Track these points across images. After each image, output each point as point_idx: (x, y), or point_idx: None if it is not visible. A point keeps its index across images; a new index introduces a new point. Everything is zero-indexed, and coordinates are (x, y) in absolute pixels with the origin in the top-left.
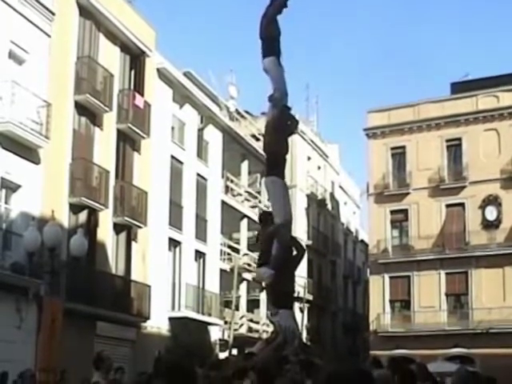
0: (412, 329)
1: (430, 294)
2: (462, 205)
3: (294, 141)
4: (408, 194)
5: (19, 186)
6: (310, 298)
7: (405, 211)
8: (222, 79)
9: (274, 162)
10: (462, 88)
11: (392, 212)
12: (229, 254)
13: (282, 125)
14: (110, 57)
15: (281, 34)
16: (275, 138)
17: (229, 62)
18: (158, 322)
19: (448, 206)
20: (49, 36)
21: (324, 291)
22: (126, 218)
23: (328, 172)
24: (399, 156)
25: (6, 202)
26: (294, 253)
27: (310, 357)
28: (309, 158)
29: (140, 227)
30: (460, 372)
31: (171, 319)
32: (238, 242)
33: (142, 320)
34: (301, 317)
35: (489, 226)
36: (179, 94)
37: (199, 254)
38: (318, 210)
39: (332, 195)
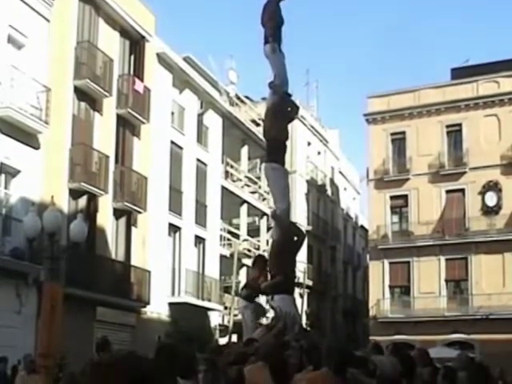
0: (411, 315)
1: (429, 280)
2: (462, 190)
3: (294, 126)
4: (408, 179)
5: (19, 172)
6: (310, 283)
7: (405, 197)
8: (221, 64)
9: (274, 149)
10: (462, 73)
11: (392, 198)
12: (229, 239)
13: (282, 111)
14: (110, 42)
15: (284, 21)
16: (275, 124)
17: (229, 46)
18: (157, 308)
19: (448, 191)
20: (48, 21)
21: (324, 277)
22: (126, 204)
23: (328, 157)
24: (399, 141)
25: (5, 188)
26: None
27: (311, 342)
28: (309, 144)
29: (140, 212)
30: (461, 357)
31: (171, 304)
32: (237, 228)
33: (142, 305)
34: (300, 302)
35: (489, 211)
36: (179, 79)
37: (199, 240)
38: (317, 196)
39: (332, 181)
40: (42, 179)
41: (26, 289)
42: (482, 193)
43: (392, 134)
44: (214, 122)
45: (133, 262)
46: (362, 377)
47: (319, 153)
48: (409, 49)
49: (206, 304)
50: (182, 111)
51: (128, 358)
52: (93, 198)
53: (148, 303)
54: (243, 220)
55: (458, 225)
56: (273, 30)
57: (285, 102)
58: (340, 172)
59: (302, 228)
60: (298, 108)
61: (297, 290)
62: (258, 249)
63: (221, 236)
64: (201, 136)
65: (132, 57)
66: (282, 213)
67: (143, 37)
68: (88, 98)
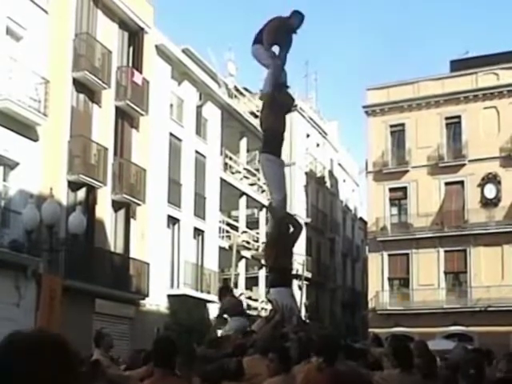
0: (411, 307)
1: (428, 272)
2: (461, 183)
3: (293, 118)
4: (407, 171)
5: (17, 164)
6: (309, 275)
7: (404, 189)
8: (220, 56)
9: (269, 140)
10: (461, 65)
11: (391, 190)
12: (227, 231)
13: (278, 102)
14: (109, 33)
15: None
16: (271, 115)
17: (227, 38)
18: (156, 300)
19: (447, 183)
20: (46, 12)
21: (323, 269)
22: (125, 196)
23: (327, 149)
24: (398, 133)
25: (4, 180)
26: (291, 230)
27: (309, 334)
28: (308, 136)
29: (139, 204)
30: (457, 349)
31: (170, 297)
32: (236, 220)
33: (141, 297)
34: (299, 294)
35: (488, 204)
36: (178, 71)
37: (198, 232)
38: (316, 188)
39: (331, 173)
40: (41, 171)
41: (24, 281)
42: (481, 185)
43: (391, 126)
44: (212, 113)
45: (132, 255)
46: (361, 369)
47: (318, 145)
48: (408, 40)
49: (204, 296)
50: (180, 103)
51: None
52: (91, 190)
53: (147, 295)
54: (242, 212)
55: (457, 217)
56: (270, 41)
57: (281, 93)
58: (339, 164)
59: (300, 220)
60: (293, 100)
61: (295, 282)
62: (256, 241)
63: (220, 228)
64: (200, 128)
65: (131, 49)
66: (278, 204)
67: (142, 28)
68: (87, 90)
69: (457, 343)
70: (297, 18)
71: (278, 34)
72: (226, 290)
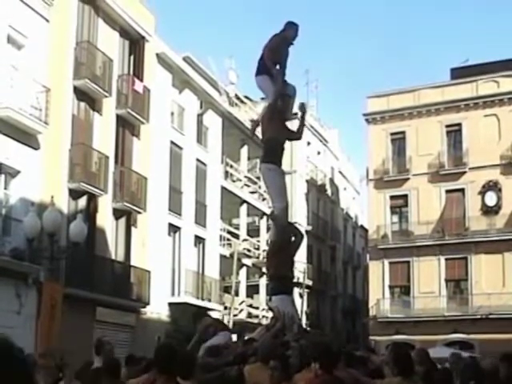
0: (411, 314)
1: (429, 280)
2: (461, 190)
3: (294, 126)
4: (408, 179)
5: (18, 172)
6: (310, 283)
7: (404, 197)
8: (221, 64)
9: (269, 149)
10: (461, 73)
11: (392, 197)
12: (228, 239)
13: (279, 112)
14: (109, 42)
15: (287, 57)
16: (271, 125)
17: (228, 47)
18: (157, 308)
19: (448, 191)
20: (47, 21)
21: (323, 276)
22: (126, 204)
23: (328, 157)
24: (399, 141)
25: (5, 188)
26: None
27: (310, 342)
28: (308, 143)
29: (139, 212)
30: (455, 357)
31: (171, 304)
32: (237, 228)
33: (142, 305)
34: (300, 302)
35: (488, 211)
36: (179, 79)
37: (199, 240)
38: (317, 196)
39: (332, 180)
40: (42, 179)
41: (25, 289)
42: (482, 192)
43: (392, 134)
44: (213, 122)
45: (132, 262)
46: (361, 376)
47: (319, 153)
48: (408, 49)
49: (205, 304)
50: (181, 111)
51: None
52: (92, 198)
53: (148, 303)
54: (243, 220)
55: (458, 224)
56: (274, 59)
57: (284, 103)
58: (340, 172)
59: (300, 228)
60: (300, 130)
61: (296, 290)
62: (257, 249)
63: (220, 236)
64: (200, 136)
65: (131, 57)
66: (280, 213)
67: (143, 37)
68: (87, 98)
69: (452, 351)
70: (292, 29)
71: (280, 52)
72: (199, 317)
